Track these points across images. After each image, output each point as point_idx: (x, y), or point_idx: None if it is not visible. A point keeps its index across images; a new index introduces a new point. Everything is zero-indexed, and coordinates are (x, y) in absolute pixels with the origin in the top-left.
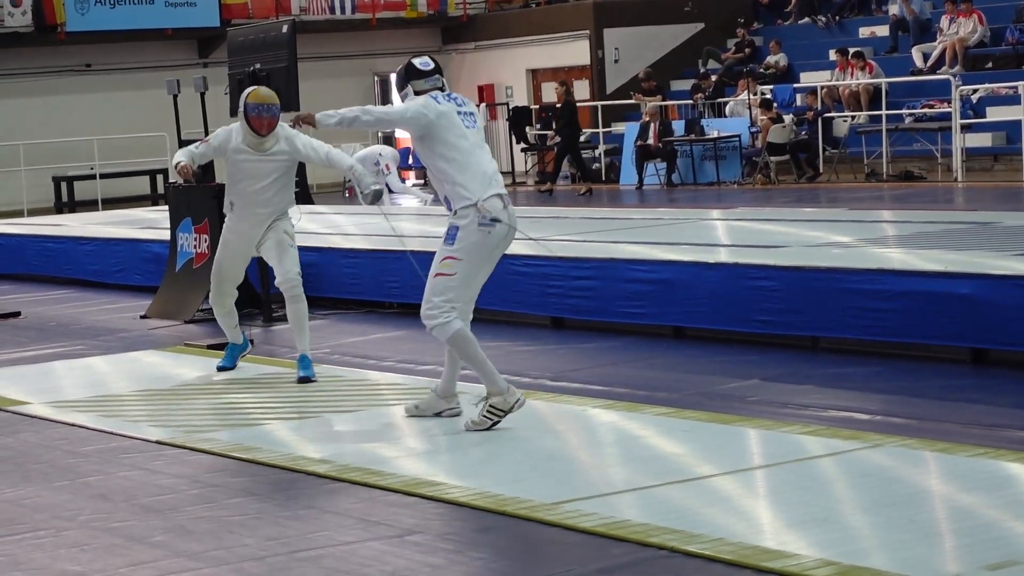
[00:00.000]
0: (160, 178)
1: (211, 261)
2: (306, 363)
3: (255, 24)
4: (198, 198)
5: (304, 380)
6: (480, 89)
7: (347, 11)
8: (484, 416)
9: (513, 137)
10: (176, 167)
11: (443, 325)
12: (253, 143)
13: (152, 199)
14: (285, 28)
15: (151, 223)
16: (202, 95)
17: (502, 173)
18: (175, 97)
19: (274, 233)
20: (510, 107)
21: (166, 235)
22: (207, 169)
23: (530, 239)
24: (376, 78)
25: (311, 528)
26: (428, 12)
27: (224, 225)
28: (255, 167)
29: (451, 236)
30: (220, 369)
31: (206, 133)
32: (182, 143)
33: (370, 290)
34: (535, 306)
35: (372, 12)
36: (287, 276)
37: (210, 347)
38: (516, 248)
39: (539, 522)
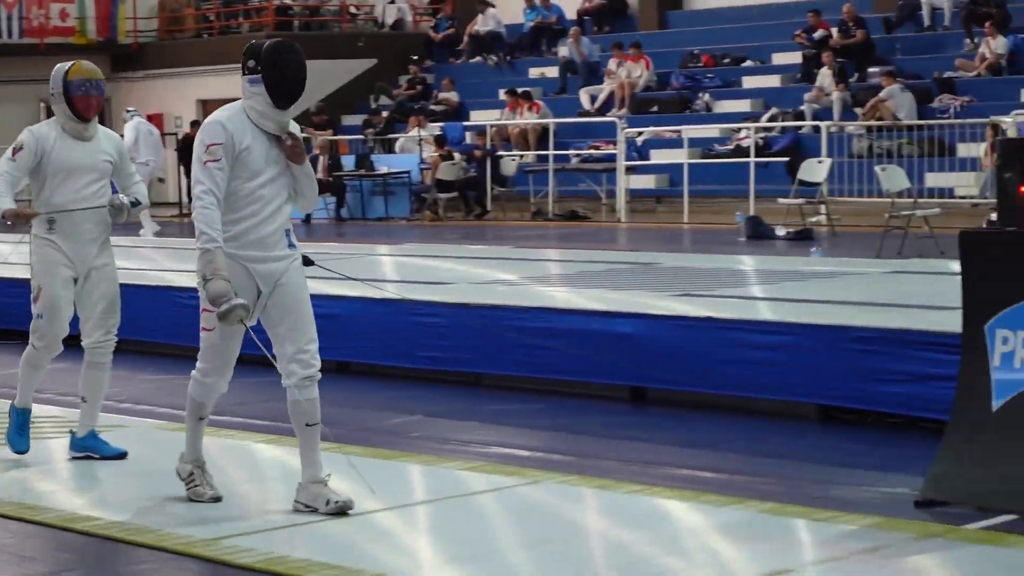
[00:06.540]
0: None
1: None
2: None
3: None
4: None
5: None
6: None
7: (15, 35)
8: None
9: (182, 167)
10: (4, 216)
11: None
12: (75, 130)
13: None
14: None
15: None
16: None
17: (170, 204)
18: None
19: (109, 279)
20: (179, 136)
21: None
22: None
23: None
24: (42, 104)
25: None
26: (98, 39)
27: (42, 251)
28: (80, 159)
29: None
30: (20, 453)
31: None
32: None
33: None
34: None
35: (41, 37)
36: (106, 341)
37: None
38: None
39: (198, 558)
